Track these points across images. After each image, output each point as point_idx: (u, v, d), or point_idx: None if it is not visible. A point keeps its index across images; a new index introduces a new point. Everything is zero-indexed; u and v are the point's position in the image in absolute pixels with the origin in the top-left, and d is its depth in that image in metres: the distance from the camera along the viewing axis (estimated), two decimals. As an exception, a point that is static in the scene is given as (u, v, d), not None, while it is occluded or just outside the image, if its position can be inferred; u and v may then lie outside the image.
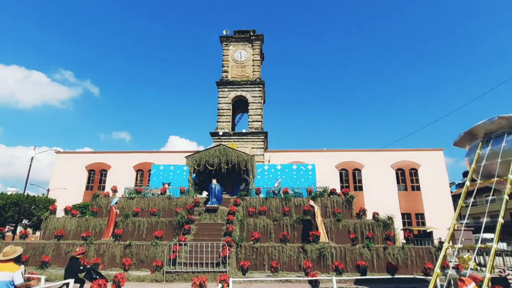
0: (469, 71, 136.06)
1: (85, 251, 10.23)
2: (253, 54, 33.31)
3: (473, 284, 5.94)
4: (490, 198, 21.24)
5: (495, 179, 7.97)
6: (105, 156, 35.54)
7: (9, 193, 31.49)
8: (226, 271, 11.81)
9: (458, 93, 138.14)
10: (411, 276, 11.39)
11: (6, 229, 22.43)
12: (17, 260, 5.46)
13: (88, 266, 9.57)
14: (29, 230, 25.98)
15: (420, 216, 31.44)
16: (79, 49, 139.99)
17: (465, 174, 53.90)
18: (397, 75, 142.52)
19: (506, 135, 8.18)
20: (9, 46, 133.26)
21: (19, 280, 5.10)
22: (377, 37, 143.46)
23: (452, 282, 6.40)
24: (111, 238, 14.97)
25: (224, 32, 34.06)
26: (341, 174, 33.37)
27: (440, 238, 18.81)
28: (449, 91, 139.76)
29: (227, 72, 32.87)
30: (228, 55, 33.55)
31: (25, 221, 30.75)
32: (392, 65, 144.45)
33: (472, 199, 11.93)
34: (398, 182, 32.78)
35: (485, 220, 9.55)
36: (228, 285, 8.48)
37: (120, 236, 14.92)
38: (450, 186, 37.05)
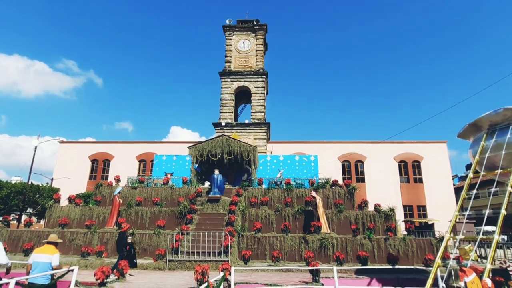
0: (475, 63, 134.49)
1: (130, 227, 11.49)
2: (256, 44, 32.94)
3: (474, 274, 5.97)
4: (493, 190, 21.07)
5: (499, 171, 7.93)
6: (108, 146, 35.69)
7: (13, 182, 31.76)
8: (228, 260, 11.92)
9: (463, 85, 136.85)
10: (412, 267, 11.45)
11: (11, 217, 22.70)
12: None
13: (130, 243, 10.43)
14: (34, 219, 26.18)
15: (422, 208, 31.50)
16: (83, 40, 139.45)
17: (468, 167, 53.70)
18: (401, 66, 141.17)
19: (511, 127, 8.10)
20: (10, 36, 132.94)
21: (56, 262, 6.09)
22: (382, 27, 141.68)
23: (452, 273, 6.42)
24: (115, 226, 15.14)
25: (227, 22, 33.63)
26: (343, 165, 33.37)
27: (439, 231, 18.82)
28: (453, 83, 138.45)
29: (230, 62, 32.58)
30: (231, 45, 33.18)
31: (29, 210, 31.09)
32: (396, 56, 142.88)
33: (474, 191, 11.86)
34: (400, 174, 32.75)
35: (487, 212, 9.53)
36: (229, 274, 8.58)
37: (123, 225, 15.10)
38: (452, 179, 36.92)
